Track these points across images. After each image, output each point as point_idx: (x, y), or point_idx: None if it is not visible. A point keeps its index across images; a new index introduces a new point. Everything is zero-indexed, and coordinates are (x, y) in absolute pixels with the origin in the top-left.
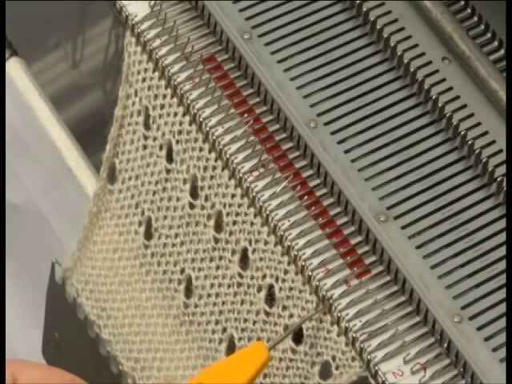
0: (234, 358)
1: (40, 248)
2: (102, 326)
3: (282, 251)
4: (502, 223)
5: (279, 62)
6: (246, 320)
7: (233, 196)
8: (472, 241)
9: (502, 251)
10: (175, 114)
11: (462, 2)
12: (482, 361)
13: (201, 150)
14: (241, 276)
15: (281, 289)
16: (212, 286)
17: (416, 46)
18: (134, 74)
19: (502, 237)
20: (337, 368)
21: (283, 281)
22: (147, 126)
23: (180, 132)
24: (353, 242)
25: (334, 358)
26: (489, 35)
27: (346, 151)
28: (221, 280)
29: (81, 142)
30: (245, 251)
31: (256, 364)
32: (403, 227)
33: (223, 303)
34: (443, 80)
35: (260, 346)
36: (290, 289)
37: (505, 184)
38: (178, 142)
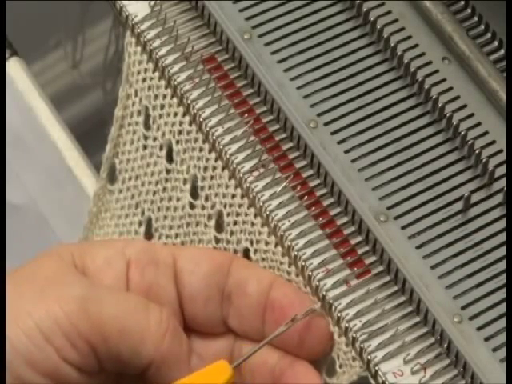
0: (196, 375)
1: (40, 248)
2: None
3: (282, 252)
4: (502, 223)
5: (279, 62)
6: None
7: (233, 196)
8: (472, 241)
9: (502, 251)
10: (175, 114)
11: (462, 2)
12: (482, 361)
13: (201, 150)
14: None
15: None
16: None
17: (416, 46)
18: (134, 74)
19: (502, 237)
20: (340, 366)
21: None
22: (147, 126)
23: (180, 132)
24: (353, 242)
25: (338, 356)
26: (489, 35)
27: (346, 151)
28: None
29: (81, 142)
30: (246, 251)
31: (218, 382)
32: (403, 227)
33: None
34: (443, 80)
35: (223, 364)
36: None
37: (505, 184)
38: (178, 142)
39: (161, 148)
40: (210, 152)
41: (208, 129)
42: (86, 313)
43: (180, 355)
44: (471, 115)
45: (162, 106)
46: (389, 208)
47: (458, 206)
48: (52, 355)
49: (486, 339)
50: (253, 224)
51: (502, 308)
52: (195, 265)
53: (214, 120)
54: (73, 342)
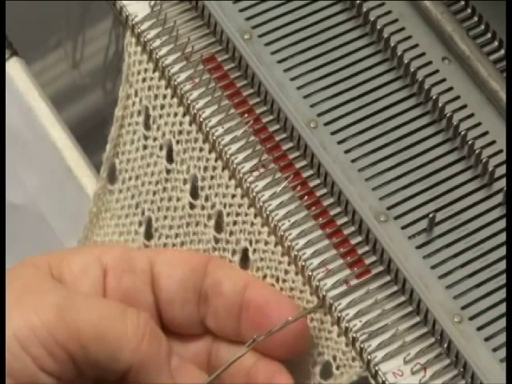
0: None
1: (40, 248)
2: None
3: (282, 251)
4: (502, 223)
5: (279, 62)
6: None
7: (233, 196)
8: (472, 241)
9: (502, 251)
10: (175, 114)
11: (462, 2)
12: (482, 361)
13: (201, 150)
14: None
15: (282, 289)
16: None
17: (416, 46)
18: (134, 74)
19: (502, 237)
20: (337, 368)
21: (284, 281)
22: (147, 126)
23: (180, 132)
24: (353, 242)
25: (334, 357)
26: (489, 35)
27: (346, 151)
28: None
29: (81, 142)
30: (245, 251)
31: None
32: (403, 227)
33: None
34: (443, 80)
35: None
36: (291, 289)
37: (505, 184)
38: (178, 142)
39: (161, 148)
40: (210, 152)
41: (208, 129)
42: (63, 320)
43: (159, 358)
44: (471, 115)
45: (162, 106)
46: (389, 208)
47: (458, 206)
48: (29, 364)
49: (486, 339)
50: (253, 224)
51: (502, 308)
52: (172, 268)
53: (214, 120)
54: (50, 351)
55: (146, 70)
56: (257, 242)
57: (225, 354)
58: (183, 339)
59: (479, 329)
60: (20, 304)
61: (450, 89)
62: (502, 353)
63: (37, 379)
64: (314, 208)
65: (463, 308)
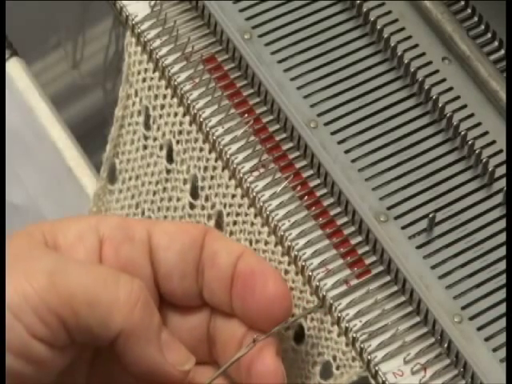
0: None
1: None
2: None
3: (282, 251)
4: (502, 223)
5: (279, 62)
6: None
7: (233, 196)
8: (472, 241)
9: (502, 251)
10: (175, 114)
11: (463, 3)
12: (482, 361)
13: (201, 150)
14: None
15: None
16: None
17: (416, 46)
18: (134, 74)
19: (502, 237)
20: (337, 368)
21: (284, 281)
22: (147, 126)
23: (180, 132)
24: (353, 242)
25: (334, 357)
26: (489, 35)
27: (346, 151)
28: None
29: (81, 142)
30: None
31: None
32: (403, 227)
33: None
34: (443, 80)
35: None
36: (291, 289)
37: (505, 184)
38: (178, 142)
39: (161, 148)
40: (210, 152)
41: (208, 129)
42: (55, 286)
43: (150, 328)
44: (471, 115)
45: (162, 106)
46: (389, 208)
47: (458, 206)
48: (21, 333)
49: (486, 339)
50: (252, 224)
51: (502, 308)
52: (170, 240)
53: (214, 120)
54: (42, 317)
55: (146, 70)
56: (257, 241)
57: (223, 327)
58: (182, 311)
59: (479, 329)
60: (12, 272)
61: (450, 89)
62: (502, 353)
63: (29, 347)
64: (314, 208)
65: (463, 308)
